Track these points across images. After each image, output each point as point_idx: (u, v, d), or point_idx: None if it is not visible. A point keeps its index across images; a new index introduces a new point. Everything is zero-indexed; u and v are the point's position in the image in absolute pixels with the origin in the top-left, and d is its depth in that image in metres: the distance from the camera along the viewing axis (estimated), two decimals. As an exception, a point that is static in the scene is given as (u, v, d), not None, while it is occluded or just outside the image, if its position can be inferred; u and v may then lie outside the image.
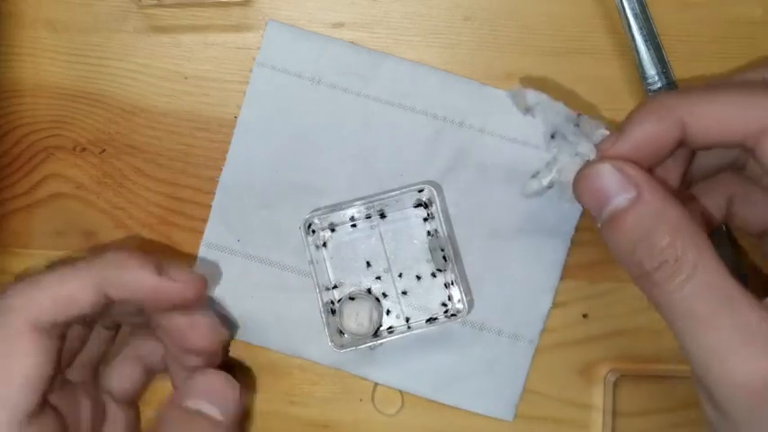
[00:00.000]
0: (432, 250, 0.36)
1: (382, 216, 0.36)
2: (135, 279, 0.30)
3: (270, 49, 0.36)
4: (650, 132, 0.28)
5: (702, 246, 0.26)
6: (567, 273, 0.36)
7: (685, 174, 0.31)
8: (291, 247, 0.36)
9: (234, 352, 0.36)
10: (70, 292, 0.29)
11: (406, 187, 0.35)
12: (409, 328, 0.35)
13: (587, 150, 0.29)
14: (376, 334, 0.35)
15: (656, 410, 0.36)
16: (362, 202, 0.35)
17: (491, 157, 0.36)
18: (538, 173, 0.31)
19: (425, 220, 0.36)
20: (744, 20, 0.36)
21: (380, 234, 0.36)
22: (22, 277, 0.30)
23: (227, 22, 0.36)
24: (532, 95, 0.31)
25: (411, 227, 0.36)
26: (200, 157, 0.36)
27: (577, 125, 0.30)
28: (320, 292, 0.34)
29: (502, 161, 0.36)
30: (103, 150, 0.36)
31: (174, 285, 0.30)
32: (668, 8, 0.36)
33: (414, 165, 0.36)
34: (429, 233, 0.36)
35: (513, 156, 0.36)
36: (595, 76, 0.36)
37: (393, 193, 0.35)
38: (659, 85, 0.35)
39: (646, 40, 0.35)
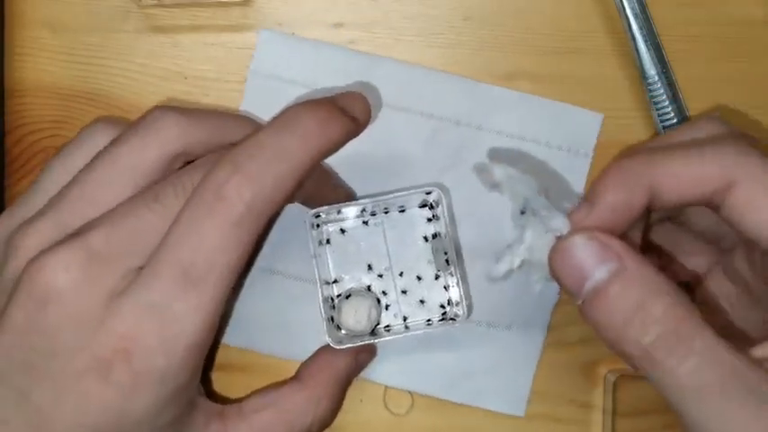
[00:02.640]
0: (434, 252, 0.35)
1: (386, 213, 0.36)
2: (342, 133, 0.29)
3: (263, 58, 0.36)
4: (621, 200, 0.27)
5: (694, 312, 0.25)
6: (566, 273, 0.36)
7: (644, 237, 0.30)
8: (293, 254, 0.36)
9: (234, 352, 0.36)
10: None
11: (414, 188, 0.35)
12: (407, 327, 0.35)
13: (561, 224, 0.27)
14: (373, 332, 0.35)
15: (656, 410, 0.36)
16: (369, 200, 0.35)
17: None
18: (503, 256, 0.29)
19: (429, 221, 0.36)
20: (744, 20, 0.36)
21: (384, 232, 0.36)
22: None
23: (227, 22, 0.36)
24: (499, 170, 0.29)
25: (415, 227, 0.36)
26: (200, 157, 0.36)
27: (548, 198, 0.29)
28: (321, 286, 0.34)
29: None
30: (103, 150, 0.36)
31: (360, 124, 0.31)
32: (668, 8, 0.36)
33: (412, 165, 0.36)
34: (433, 235, 0.36)
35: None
36: (595, 76, 0.36)
37: (401, 193, 0.35)
38: (659, 85, 0.35)
39: (646, 40, 0.35)
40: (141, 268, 0.27)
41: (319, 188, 0.34)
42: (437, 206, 0.35)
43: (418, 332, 0.34)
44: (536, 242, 0.28)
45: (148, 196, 0.28)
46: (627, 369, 0.36)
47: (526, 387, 0.36)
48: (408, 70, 0.36)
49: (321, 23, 0.36)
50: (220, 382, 0.36)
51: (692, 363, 0.24)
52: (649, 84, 0.35)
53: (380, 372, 0.36)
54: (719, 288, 0.32)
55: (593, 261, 0.26)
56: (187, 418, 0.29)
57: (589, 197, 0.28)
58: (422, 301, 0.36)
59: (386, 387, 0.36)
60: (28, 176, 0.36)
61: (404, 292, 0.36)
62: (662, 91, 0.35)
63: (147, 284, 0.26)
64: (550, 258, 0.27)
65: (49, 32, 0.36)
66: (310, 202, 0.34)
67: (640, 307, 0.25)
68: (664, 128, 0.35)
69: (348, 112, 0.30)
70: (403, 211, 0.36)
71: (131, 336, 0.26)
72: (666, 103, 0.35)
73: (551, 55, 0.36)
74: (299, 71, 0.36)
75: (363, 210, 0.35)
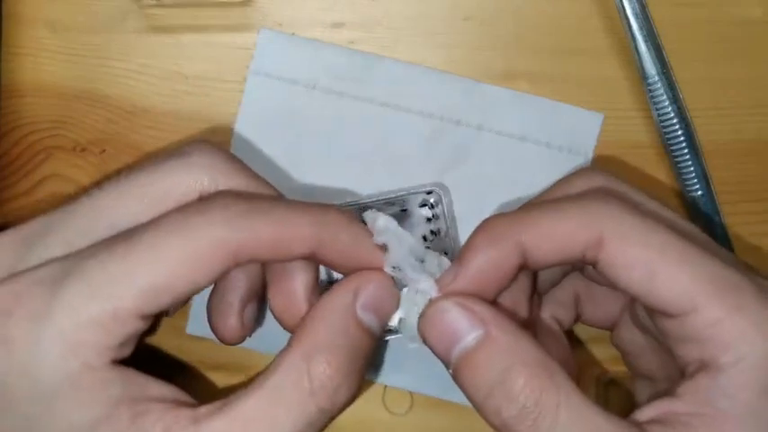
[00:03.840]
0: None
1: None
2: (354, 248, 0.27)
3: (263, 58, 0.36)
4: (489, 261, 0.26)
5: (560, 380, 0.24)
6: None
7: (532, 296, 0.29)
8: None
9: (234, 352, 0.36)
10: (287, 239, 0.26)
11: (414, 188, 0.35)
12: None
13: (428, 287, 0.27)
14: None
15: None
16: (369, 199, 0.35)
17: (490, 153, 0.36)
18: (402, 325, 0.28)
19: (429, 220, 0.36)
20: (744, 20, 0.36)
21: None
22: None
23: (227, 21, 0.36)
24: (383, 221, 0.28)
25: (415, 227, 0.36)
26: (200, 157, 0.36)
27: (422, 260, 0.28)
28: (319, 284, 0.34)
29: (501, 157, 0.36)
30: (103, 150, 0.36)
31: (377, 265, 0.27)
32: (668, 8, 0.36)
33: (413, 165, 0.36)
34: (432, 232, 0.36)
35: (513, 151, 0.36)
36: (595, 76, 0.36)
37: (401, 193, 0.35)
38: (659, 85, 0.35)
39: (646, 40, 0.35)
40: None
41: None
42: (437, 206, 0.35)
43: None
44: (409, 302, 0.27)
45: None
46: (618, 371, 0.36)
47: None
48: (408, 70, 0.36)
49: (321, 23, 0.36)
50: (220, 383, 0.36)
51: None
52: (649, 84, 0.35)
53: (380, 372, 0.36)
54: (630, 334, 0.31)
55: (461, 328, 0.25)
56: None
57: (459, 258, 0.27)
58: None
59: (385, 387, 0.36)
60: (28, 177, 0.36)
61: (403, 292, 0.36)
62: (662, 91, 0.35)
63: None
64: (419, 324, 0.27)
65: (49, 32, 0.36)
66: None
67: (503, 378, 0.24)
68: (663, 128, 0.35)
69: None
70: (404, 210, 0.36)
71: None
72: (666, 103, 0.35)
73: (551, 55, 0.36)
74: (299, 71, 0.36)
75: (362, 211, 0.35)
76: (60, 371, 0.24)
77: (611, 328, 0.32)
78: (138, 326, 0.25)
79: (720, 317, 0.25)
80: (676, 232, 0.26)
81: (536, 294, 0.31)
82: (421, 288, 0.27)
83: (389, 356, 0.36)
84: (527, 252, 0.26)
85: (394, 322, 0.28)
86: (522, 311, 0.28)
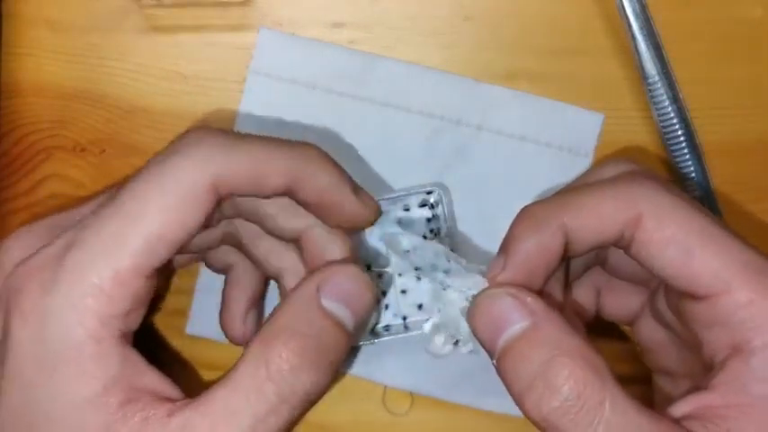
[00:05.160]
0: (434, 252, 0.36)
1: (380, 214, 0.36)
2: (330, 188, 0.28)
3: (263, 57, 0.36)
4: (535, 247, 0.26)
5: (606, 376, 0.24)
6: (566, 273, 0.36)
7: (566, 286, 0.30)
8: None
9: (234, 352, 0.36)
10: (264, 170, 0.26)
11: (414, 188, 0.35)
12: (406, 327, 0.35)
13: (479, 284, 0.27)
14: (373, 332, 0.35)
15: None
16: None
17: (490, 153, 0.36)
18: (437, 329, 0.29)
19: (429, 220, 0.36)
20: (744, 20, 0.36)
21: (383, 232, 0.36)
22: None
23: (227, 21, 0.36)
24: (407, 240, 0.28)
25: (414, 226, 0.36)
26: (200, 156, 0.36)
27: (458, 263, 0.28)
28: None
29: (501, 157, 0.36)
30: (103, 150, 0.36)
31: (362, 211, 0.28)
32: (668, 8, 0.36)
33: (413, 165, 0.36)
34: (432, 231, 0.36)
35: (513, 151, 0.36)
36: (595, 76, 0.36)
37: (401, 193, 0.35)
38: (659, 85, 0.35)
39: (646, 40, 0.35)
40: None
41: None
42: (437, 206, 0.35)
43: (418, 332, 0.34)
44: (446, 303, 0.28)
45: None
46: (625, 371, 0.36)
47: None
48: (408, 70, 0.36)
49: (321, 23, 0.36)
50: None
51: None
52: (650, 84, 0.35)
53: (380, 372, 0.36)
54: (650, 329, 0.31)
55: (510, 316, 0.25)
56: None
57: (502, 248, 0.27)
58: (421, 301, 0.36)
59: (385, 387, 0.36)
60: (28, 176, 0.36)
61: (403, 291, 0.36)
62: (662, 91, 0.35)
63: None
64: (469, 315, 0.27)
65: (49, 32, 0.36)
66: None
67: (546, 369, 0.24)
68: (663, 128, 0.35)
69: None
70: (407, 210, 0.36)
71: None
72: (667, 103, 0.35)
73: (551, 55, 0.36)
74: (298, 70, 0.36)
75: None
76: (67, 340, 0.25)
77: (631, 322, 0.32)
78: (142, 285, 0.26)
79: (753, 298, 0.24)
80: (707, 214, 0.26)
81: (568, 285, 0.31)
82: (471, 287, 0.27)
83: (389, 356, 0.36)
84: (569, 235, 0.26)
85: (426, 329, 0.29)
86: (558, 297, 0.29)
